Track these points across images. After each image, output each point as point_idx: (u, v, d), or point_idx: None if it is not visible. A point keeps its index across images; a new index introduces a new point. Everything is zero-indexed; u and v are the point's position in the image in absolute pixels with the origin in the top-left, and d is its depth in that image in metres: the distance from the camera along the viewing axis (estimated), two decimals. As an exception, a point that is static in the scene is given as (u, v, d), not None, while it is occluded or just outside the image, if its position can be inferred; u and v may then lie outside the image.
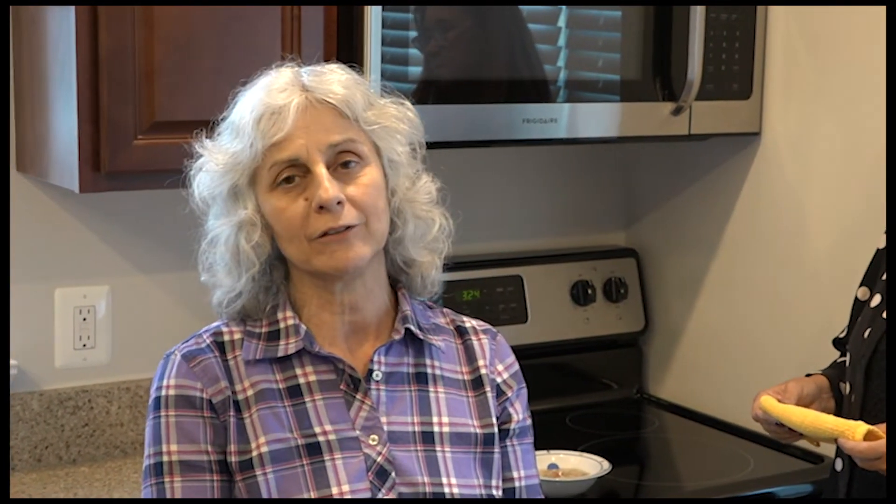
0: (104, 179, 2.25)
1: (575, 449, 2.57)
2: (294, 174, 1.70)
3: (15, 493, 2.39)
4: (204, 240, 1.78)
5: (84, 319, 2.57)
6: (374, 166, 1.74)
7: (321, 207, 1.68)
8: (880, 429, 1.95)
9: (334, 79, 1.74)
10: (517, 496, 1.82)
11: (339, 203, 1.68)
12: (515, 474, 1.82)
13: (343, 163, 1.71)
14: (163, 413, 1.72)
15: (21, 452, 2.51)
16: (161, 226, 2.62)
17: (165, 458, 1.71)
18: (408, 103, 1.80)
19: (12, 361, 2.48)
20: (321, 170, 1.69)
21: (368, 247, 1.72)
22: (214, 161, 1.74)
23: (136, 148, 2.24)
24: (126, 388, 2.60)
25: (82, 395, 2.57)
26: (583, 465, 2.49)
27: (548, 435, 2.44)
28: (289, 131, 1.69)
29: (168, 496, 1.69)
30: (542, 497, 1.86)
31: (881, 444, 1.92)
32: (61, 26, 2.24)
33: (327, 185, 1.68)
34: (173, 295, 2.64)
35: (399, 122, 1.77)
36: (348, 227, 1.69)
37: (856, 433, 1.95)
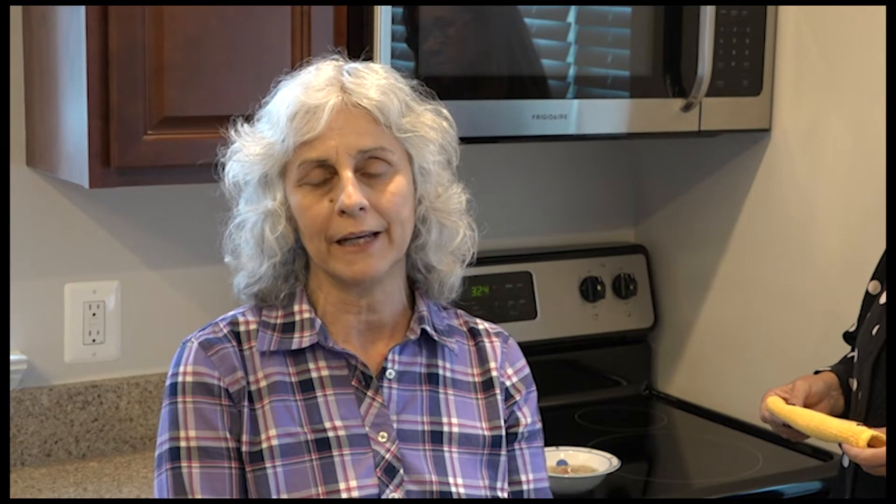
0: (114, 175, 2.25)
1: (584, 445, 2.57)
2: (322, 174, 1.71)
3: (24, 488, 2.39)
4: (232, 223, 1.79)
5: (94, 314, 2.58)
6: (403, 174, 1.74)
7: (343, 212, 1.69)
8: (884, 433, 1.94)
9: (373, 82, 1.73)
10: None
11: (361, 209, 1.69)
12: (524, 477, 1.82)
13: (372, 167, 1.71)
14: (180, 399, 1.71)
15: (31, 447, 2.51)
16: (171, 221, 2.62)
17: (183, 444, 1.70)
18: (445, 111, 1.79)
19: (22, 356, 2.48)
20: (348, 174, 1.69)
21: (386, 259, 1.73)
22: (249, 148, 1.75)
23: (146, 143, 2.24)
24: (135, 383, 2.60)
25: (92, 391, 2.57)
26: (591, 462, 2.49)
27: (556, 431, 2.44)
28: (321, 131, 1.69)
29: (185, 482, 1.68)
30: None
31: (884, 451, 1.91)
32: (72, 23, 2.24)
33: (351, 191, 1.68)
34: (183, 290, 2.64)
35: (434, 131, 1.76)
36: (369, 236, 1.70)
37: (859, 439, 1.94)
